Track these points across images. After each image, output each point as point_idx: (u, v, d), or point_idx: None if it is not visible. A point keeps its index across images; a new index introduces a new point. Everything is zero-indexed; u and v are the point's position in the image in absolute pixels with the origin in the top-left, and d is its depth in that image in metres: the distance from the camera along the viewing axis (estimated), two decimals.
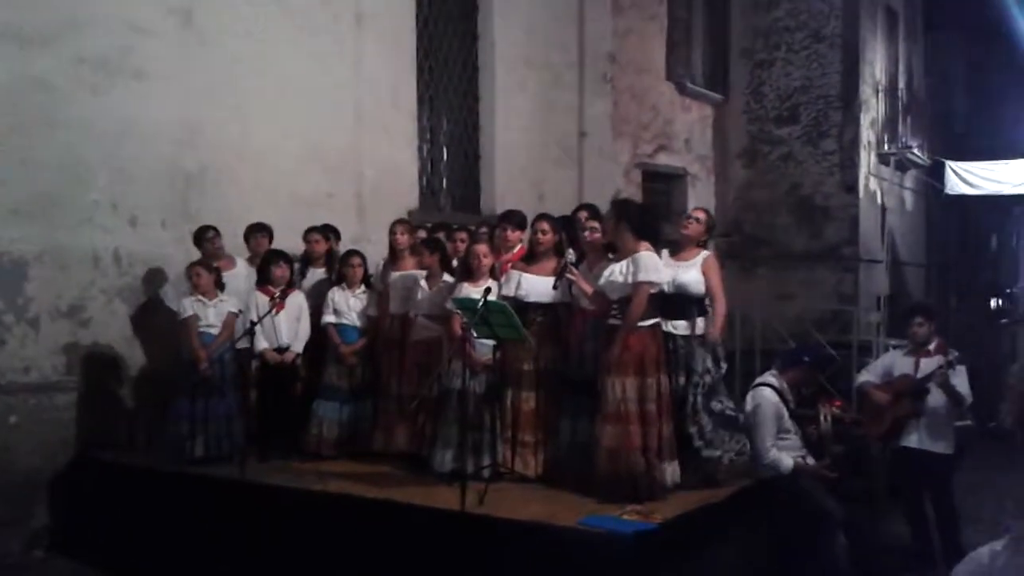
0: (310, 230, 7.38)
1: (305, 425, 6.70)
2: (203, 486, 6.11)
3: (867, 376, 6.69)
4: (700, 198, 13.28)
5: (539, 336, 5.89)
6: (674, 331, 5.82)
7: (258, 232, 7.28)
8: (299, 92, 8.29)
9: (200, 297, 6.56)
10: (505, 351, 5.87)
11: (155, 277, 7.33)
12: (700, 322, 5.89)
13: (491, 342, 5.77)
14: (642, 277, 5.39)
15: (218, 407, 6.47)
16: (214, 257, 7.00)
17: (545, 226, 6.09)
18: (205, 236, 7.04)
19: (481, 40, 10.44)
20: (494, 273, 6.17)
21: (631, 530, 4.81)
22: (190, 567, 5.93)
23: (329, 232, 7.49)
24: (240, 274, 7.15)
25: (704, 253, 6.06)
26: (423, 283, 6.47)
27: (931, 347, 6.40)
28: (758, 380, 6.11)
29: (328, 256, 7.32)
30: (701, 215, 6.19)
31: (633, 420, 5.36)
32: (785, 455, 5.77)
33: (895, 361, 6.60)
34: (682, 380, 5.80)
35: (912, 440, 6.33)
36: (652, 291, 5.46)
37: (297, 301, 6.82)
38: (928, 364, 6.28)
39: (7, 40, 6.58)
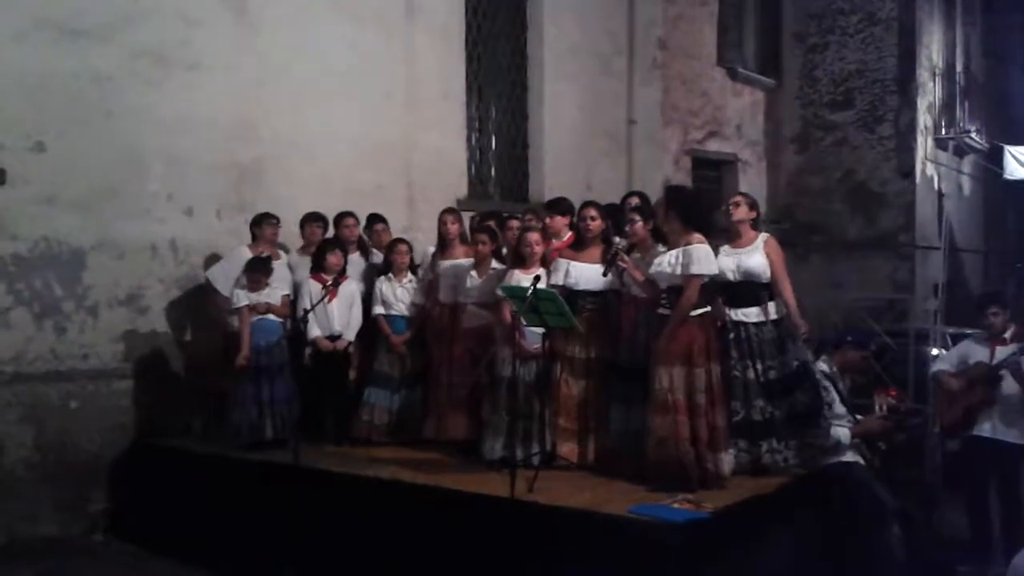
0: (343, 215, 7.34)
1: (356, 412, 6.77)
2: (257, 471, 6.21)
3: (942, 365, 6.59)
4: (751, 184, 13.14)
5: (589, 324, 5.87)
6: (745, 319, 5.76)
7: (313, 222, 7.35)
8: (350, 83, 8.36)
9: (259, 293, 6.68)
10: (554, 339, 5.87)
11: (211, 266, 7.43)
12: (771, 307, 5.82)
13: (540, 330, 5.77)
14: (694, 270, 5.34)
15: (281, 391, 6.57)
16: (269, 243, 7.10)
17: (593, 212, 6.06)
18: (267, 222, 7.11)
19: (530, 29, 10.42)
20: (544, 261, 6.17)
21: (681, 519, 4.79)
22: (243, 550, 6.03)
23: (356, 216, 7.47)
24: (284, 263, 7.22)
25: (764, 235, 5.98)
26: (472, 271, 6.49)
27: (1007, 335, 6.28)
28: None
29: (359, 242, 7.36)
30: (739, 198, 6.11)
31: (681, 410, 5.32)
32: (841, 429, 5.68)
33: (971, 350, 6.46)
34: (759, 368, 5.72)
35: (984, 429, 6.21)
36: (703, 282, 5.42)
37: (350, 289, 6.87)
38: (1003, 352, 6.16)
39: (65, 34, 6.71)
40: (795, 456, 5.74)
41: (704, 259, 5.38)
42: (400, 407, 6.77)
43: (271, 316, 6.69)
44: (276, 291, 6.76)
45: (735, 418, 5.64)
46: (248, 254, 6.93)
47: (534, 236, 6.15)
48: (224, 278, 6.98)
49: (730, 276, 5.76)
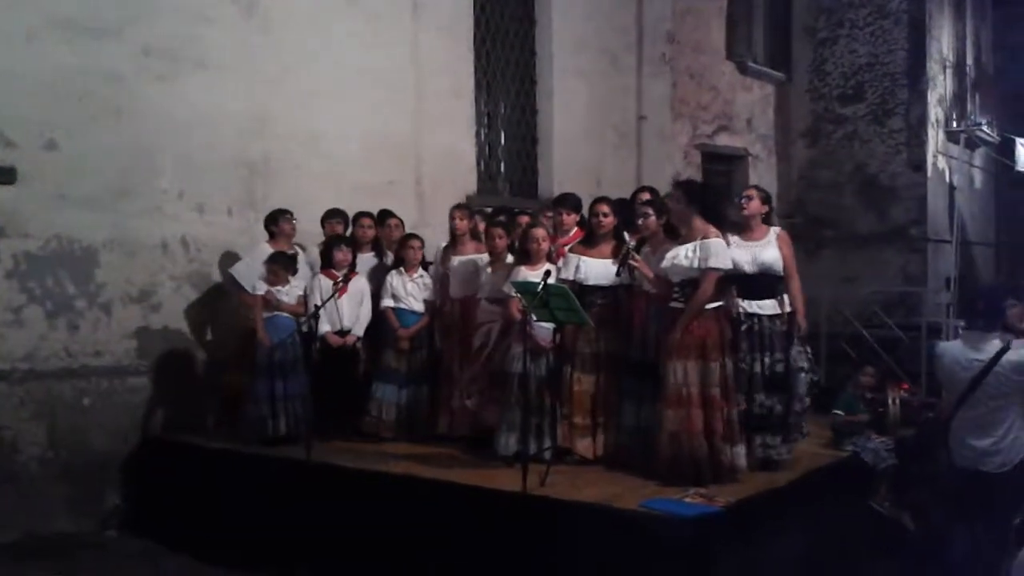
0: (361, 215, 7.39)
1: (365, 407, 6.78)
2: (270, 466, 6.23)
3: None
4: (762, 179, 13.10)
5: (599, 319, 5.87)
6: (760, 311, 5.77)
7: (334, 218, 7.36)
8: (359, 79, 8.37)
9: (276, 288, 6.70)
10: (565, 334, 5.87)
11: (222, 263, 7.46)
12: (786, 299, 5.85)
13: (551, 325, 5.77)
14: (712, 264, 5.34)
15: (294, 387, 6.59)
16: (288, 238, 7.11)
17: (605, 208, 6.05)
18: (284, 217, 7.13)
19: (538, 24, 10.41)
20: (551, 257, 6.16)
21: (693, 513, 4.80)
22: (256, 545, 6.05)
23: (374, 217, 7.51)
24: (304, 260, 7.24)
25: (776, 229, 6.00)
26: (487, 267, 6.48)
27: None
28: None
29: (375, 242, 7.38)
30: (752, 192, 6.12)
31: (695, 404, 5.32)
32: None
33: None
34: (767, 361, 5.74)
35: None
36: (719, 276, 5.42)
37: (360, 285, 6.88)
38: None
39: (77, 32, 6.73)
40: (787, 451, 5.81)
41: (722, 253, 5.39)
42: (408, 402, 6.78)
43: (284, 313, 6.70)
44: (294, 289, 6.77)
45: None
46: (270, 250, 6.94)
47: (540, 232, 6.15)
48: (248, 273, 6.97)
49: (747, 268, 5.76)
